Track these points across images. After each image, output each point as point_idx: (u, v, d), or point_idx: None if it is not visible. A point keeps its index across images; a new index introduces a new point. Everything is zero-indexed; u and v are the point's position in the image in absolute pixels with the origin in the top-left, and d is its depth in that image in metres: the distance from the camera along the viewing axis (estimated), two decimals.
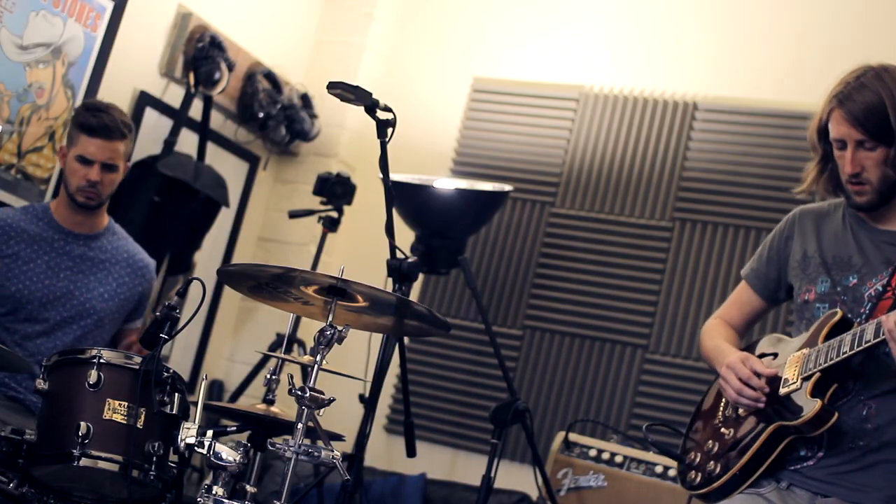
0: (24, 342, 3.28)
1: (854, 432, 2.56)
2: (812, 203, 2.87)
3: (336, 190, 4.60)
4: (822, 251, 2.73)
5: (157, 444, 2.53)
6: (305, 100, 5.08)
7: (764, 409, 2.64)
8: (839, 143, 2.62)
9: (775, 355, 2.76)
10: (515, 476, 4.40)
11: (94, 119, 3.34)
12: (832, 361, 2.52)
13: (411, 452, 3.76)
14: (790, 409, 2.58)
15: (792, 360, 2.65)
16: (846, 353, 2.49)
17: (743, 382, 2.65)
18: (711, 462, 2.71)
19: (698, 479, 2.73)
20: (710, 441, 2.77)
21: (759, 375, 2.66)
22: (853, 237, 2.70)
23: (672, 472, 3.67)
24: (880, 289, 2.59)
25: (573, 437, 3.92)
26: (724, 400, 2.81)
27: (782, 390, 2.61)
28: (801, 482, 2.61)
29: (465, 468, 4.72)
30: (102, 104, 3.43)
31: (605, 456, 3.82)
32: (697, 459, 2.78)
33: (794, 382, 2.58)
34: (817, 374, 2.54)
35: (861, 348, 2.46)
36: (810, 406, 2.51)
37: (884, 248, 2.65)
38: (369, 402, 3.30)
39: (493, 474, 3.41)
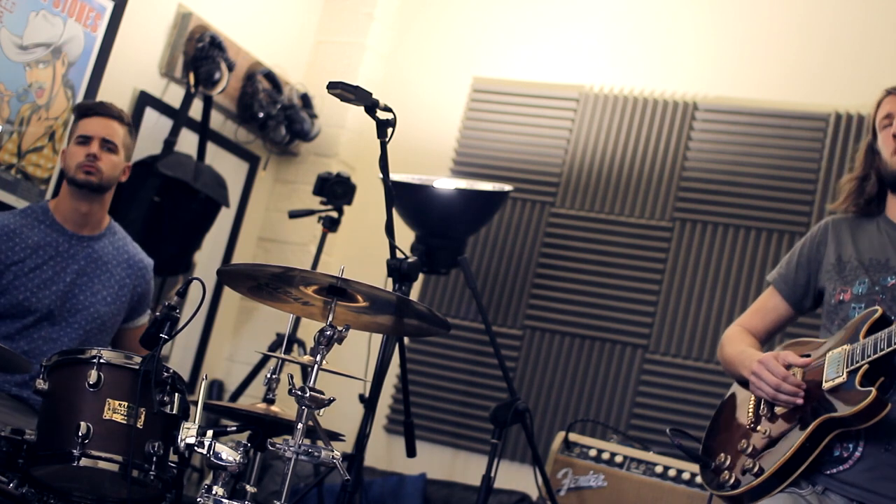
0: (28, 347, 3.27)
1: (893, 431, 2.52)
2: (844, 214, 2.90)
3: (336, 190, 4.60)
4: (859, 254, 2.75)
5: (157, 444, 2.53)
6: (305, 100, 5.08)
7: (802, 407, 2.61)
8: (888, 118, 2.78)
9: (807, 356, 2.71)
10: (515, 476, 4.40)
11: (90, 102, 3.47)
12: (883, 352, 2.49)
13: (411, 452, 3.76)
14: (835, 403, 2.53)
15: (832, 357, 2.61)
16: None
17: (779, 379, 2.62)
18: (748, 461, 2.66)
19: (731, 479, 2.69)
20: (743, 441, 2.73)
21: (790, 368, 2.65)
22: (890, 241, 2.73)
23: (672, 473, 3.67)
24: None
25: (573, 437, 3.92)
26: (752, 400, 2.78)
27: (826, 384, 2.57)
28: (837, 488, 2.57)
29: (465, 468, 4.72)
30: (99, 102, 3.52)
31: (605, 456, 3.82)
32: (727, 461, 2.74)
33: (840, 376, 2.54)
34: (865, 366, 2.51)
35: None
36: (862, 396, 2.46)
37: None
38: (369, 402, 3.30)
39: (493, 474, 3.41)
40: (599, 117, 4.91)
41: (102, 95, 4.13)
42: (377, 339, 3.42)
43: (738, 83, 4.75)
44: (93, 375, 2.53)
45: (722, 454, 2.77)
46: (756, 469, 2.63)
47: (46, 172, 4.05)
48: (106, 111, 3.41)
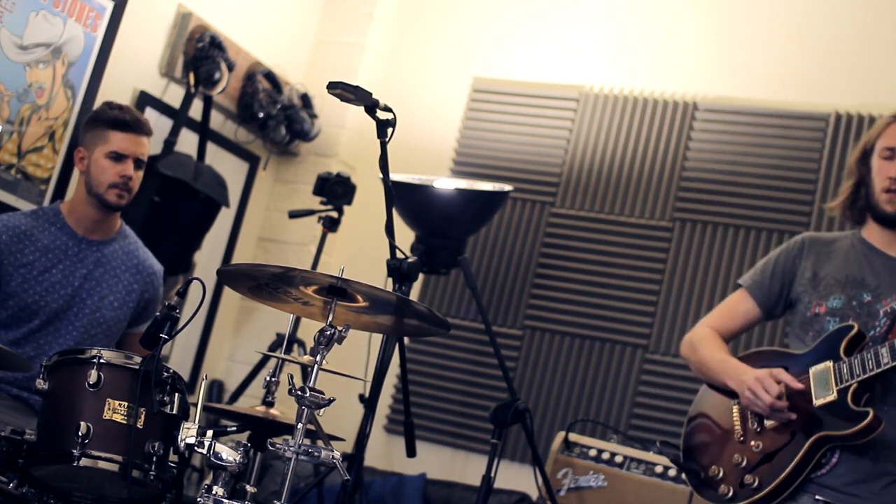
0: (34, 353, 3.27)
1: (866, 442, 2.69)
2: (819, 233, 3.10)
3: (336, 190, 4.60)
4: (834, 271, 2.89)
5: (157, 444, 2.52)
6: (305, 100, 5.08)
7: (794, 421, 2.77)
8: (889, 151, 2.83)
9: (786, 368, 2.86)
10: (515, 476, 4.40)
11: (125, 115, 3.37)
12: (872, 372, 2.67)
13: (411, 452, 3.76)
14: (829, 421, 2.71)
15: (818, 373, 2.77)
16: (888, 363, 2.64)
17: (774, 397, 2.77)
18: (748, 476, 2.81)
19: (730, 492, 2.83)
20: (737, 455, 2.87)
21: (779, 383, 2.80)
22: (865, 260, 2.88)
23: (672, 472, 3.67)
24: None
25: (573, 437, 3.92)
26: (736, 411, 2.92)
27: (817, 402, 2.74)
28: (813, 489, 2.74)
29: (465, 468, 4.72)
30: (121, 105, 3.45)
31: (605, 456, 3.82)
32: (722, 473, 2.87)
33: (831, 395, 2.71)
34: (855, 385, 2.69)
35: None
36: (860, 417, 2.66)
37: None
38: (369, 402, 3.29)
39: (493, 474, 3.40)
40: (599, 117, 4.91)
41: (102, 95, 4.13)
42: (377, 339, 3.42)
43: (738, 83, 4.75)
44: (93, 375, 2.52)
45: (714, 466, 2.90)
46: (756, 484, 2.78)
47: (46, 172, 4.05)
48: (141, 128, 3.37)
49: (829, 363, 2.75)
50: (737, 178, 4.64)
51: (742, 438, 2.88)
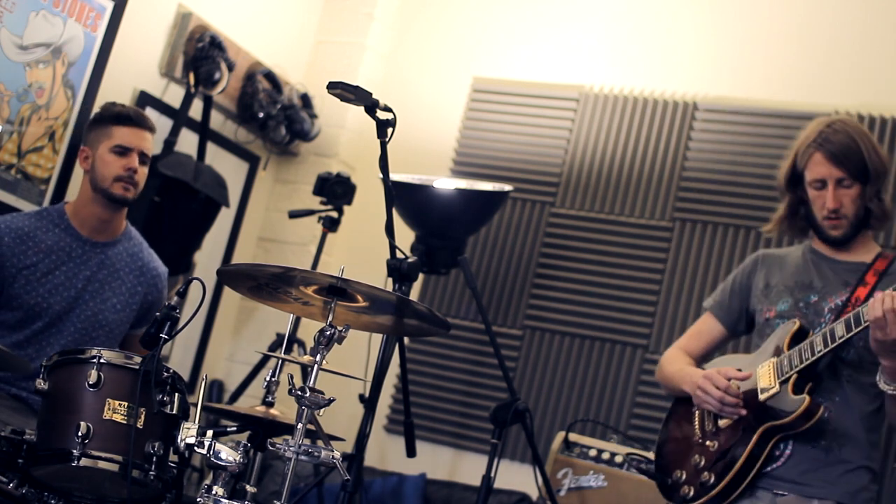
0: (36, 355, 3.26)
1: (819, 429, 2.81)
2: (772, 248, 3.28)
3: (336, 190, 4.60)
4: (785, 279, 3.03)
5: (157, 444, 2.52)
6: (305, 100, 5.08)
7: (745, 417, 2.88)
8: (819, 182, 2.95)
9: (739, 370, 2.98)
10: (515, 476, 4.40)
11: (128, 110, 3.42)
12: (808, 361, 2.79)
13: (411, 452, 3.76)
14: (774, 412, 2.82)
15: (763, 370, 2.89)
16: (820, 351, 2.76)
17: (722, 391, 2.89)
18: (704, 473, 2.90)
19: (691, 492, 2.92)
20: (696, 456, 2.96)
21: (729, 381, 2.92)
22: (814, 266, 3.01)
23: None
24: (840, 303, 2.88)
25: (573, 437, 3.92)
26: (698, 416, 3.03)
27: (762, 396, 2.85)
28: (768, 485, 2.84)
29: (465, 468, 4.72)
30: (123, 104, 3.49)
31: (605, 456, 3.82)
32: (684, 475, 2.97)
33: (773, 387, 2.83)
34: (794, 375, 2.81)
35: (835, 345, 2.73)
36: (798, 403, 2.77)
37: (842, 273, 2.95)
38: (369, 402, 3.30)
39: (493, 474, 3.41)
40: (599, 117, 4.91)
41: (102, 95, 4.13)
42: (377, 339, 3.42)
43: (738, 83, 4.75)
44: (93, 375, 2.52)
45: (678, 470, 3.01)
46: (712, 481, 2.88)
47: (46, 172, 4.05)
48: (143, 123, 3.39)
49: (773, 359, 2.88)
50: (737, 178, 4.64)
51: (700, 440, 2.98)
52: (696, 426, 3.02)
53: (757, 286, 3.09)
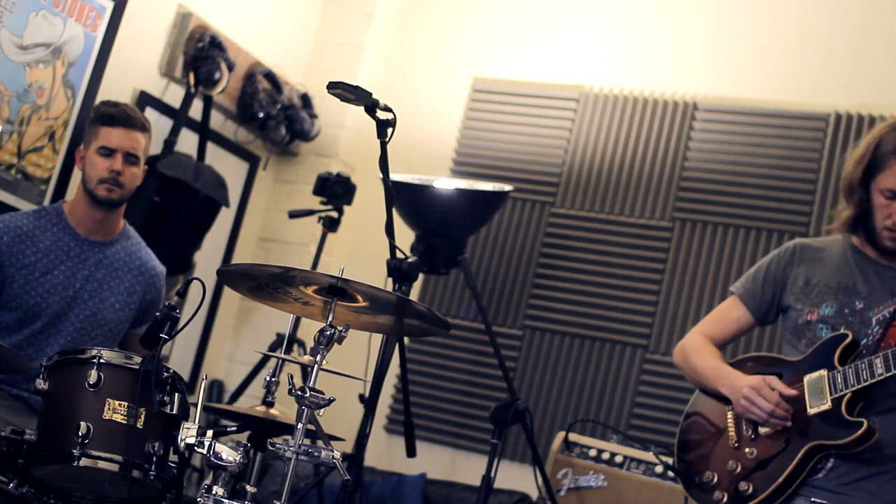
0: (35, 355, 3.26)
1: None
2: (809, 239, 3.08)
3: (336, 190, 4.60)
4: (826, 278, 2.91)
5: (157, 444, 2.52)
6: (305, 100, 5.08)
7: (788, 428, 2.80)
8: (891, 192, 2.80)
9: (780, 375, 2.89)
10: (515, 476, 4.40)
11: (114, 110, 3.37)
12: (866, 382, 2.70)
13: (411, 452, 3.76)
14: (823, 430, 2.75)
15: (812, 382, 2.80)
16: (881, 374, 2.67)
17: (773, 405, 2.80)
18: (742, 483, 2.83)
19: (725, 498, 2.85)
20: (732, 461, 2.89)
21: (774, 392, 2.82)
22: (857, 267, 2.90)
23: (672, 472, 3.67)
24: (888, 315, 2.79)
25: (573, 437, 3.92)
26: (731, 417, 2.94)
27: (811, 410, 2.77)
28: (806, 492, 2.77)
29: (465, 468, 4.72)
30: (118, 102, 3.45)
31: (605, 456, 3.82)
32: (716, 478, 2.90)
33: (825, 403, 2.74)
34: (849, 394, 2.72)
35: None
36: (855, 427, 2.69)
37: (888, 280, 2.85)
38: (369, 402, 3.30)
39: (493, 474, 3.41)
40: (599, 117, 4.91)
41: (102, 95, 4.13)
42: (377, 339, 3.42)
43: (738, 83, 4.75)
44: (93, 375, 2.52)
45: (709, 472, 2.92)
46: (750, 491, 2.81)
47: (46, 172, 4.05)
48: (130, 123, 3.35)
49: (824, 372, 2.78)
50: (737, 178, 4.64)
51: (736, 445, 2.90)
52: (732, 430, 2.93)
53: (795, 282, 2.97)
